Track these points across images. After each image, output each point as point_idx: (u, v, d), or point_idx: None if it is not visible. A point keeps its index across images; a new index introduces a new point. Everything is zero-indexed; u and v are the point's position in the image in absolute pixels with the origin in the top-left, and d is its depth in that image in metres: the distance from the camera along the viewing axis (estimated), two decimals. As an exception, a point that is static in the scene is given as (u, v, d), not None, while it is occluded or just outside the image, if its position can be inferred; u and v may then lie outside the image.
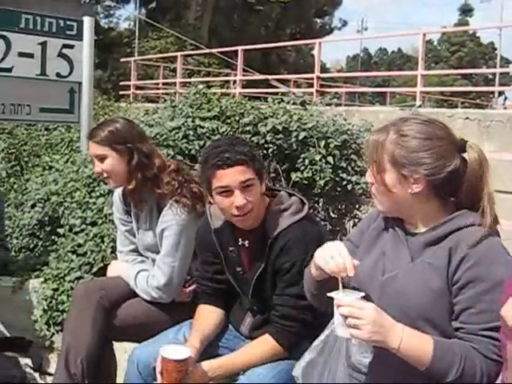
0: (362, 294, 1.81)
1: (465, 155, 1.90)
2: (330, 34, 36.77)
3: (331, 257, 1.87)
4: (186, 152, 4.10)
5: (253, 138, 4.08)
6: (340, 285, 1.84)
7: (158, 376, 2.25)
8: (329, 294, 1.83)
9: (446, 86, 26.89)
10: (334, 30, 39.08)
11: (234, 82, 15.54)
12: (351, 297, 1.78)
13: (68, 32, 4.95)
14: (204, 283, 2.68)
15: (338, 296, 1.79)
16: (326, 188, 3.93)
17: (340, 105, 15.64)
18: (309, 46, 30.50)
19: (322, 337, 1.93)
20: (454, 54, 55.00)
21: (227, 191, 2.34)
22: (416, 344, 1.75)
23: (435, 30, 35.49)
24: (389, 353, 1.76)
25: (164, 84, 18.49)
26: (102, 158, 2.90)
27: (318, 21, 37.65)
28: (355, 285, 1.99)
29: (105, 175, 2.93)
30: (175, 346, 2.31)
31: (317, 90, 12.60)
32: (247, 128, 4.17)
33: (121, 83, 19.72)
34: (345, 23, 42.45)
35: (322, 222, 4.18)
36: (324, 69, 33.91)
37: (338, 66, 66.56)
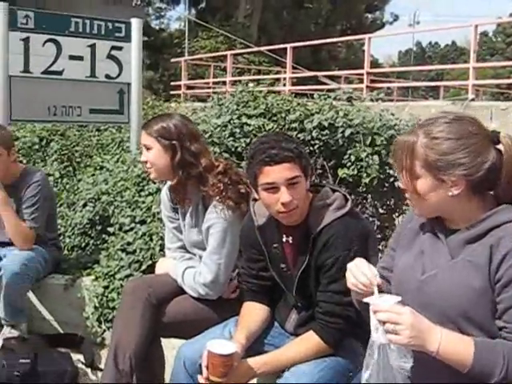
0: (399, 298, 1.78)
1: (499, 146, 1.84)
2: (381, 29, 36.32)
3: (355, 278, 1.90)
4: (233, 150, 4.12)
5: (299, 135, 4.08)
6: (375, 290, 1.83)
7: (204, 370, 2.27)
8: (365, 300, 1.81)
9: (502, 78, 26.24)
10: (385, 25, 38.63)
11: (284, 79, 15.54)
12: (388, 302, 1.76)
13: (116, 34, 5.05)
14: (249, 280, 2.68)
15: (375, 301, 1.77)
16: (373, 185, 3.90)
17: (392, 100, 15.51)
18: (360, 41, 30.24)
19: (374, 358, 1.88)
20: (510, 45, 53.75)
21: (273, 188, 2.34)
22: (455, 346, 1.72)
23: (488, 22, 34.79)
24: (429, 356, 1.73)
25: (214, 83, 18.60)
26: (148, 148, 2.97)
27: (369, 16, 37.30)
28: (393, 284, 1.98)
29: (148, 165, 3.00)
30: (221, 341, 2.33)
31: (367, 86, 12.49)
32: (293, 125, 4.17)
33: (171, 83, 19.95)
34: (396, 18, 41.87)
35: (371, 219, 4.15)
36: (376, 64, 33.59)
37: (390, 61, 65.84)
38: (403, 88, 24.70)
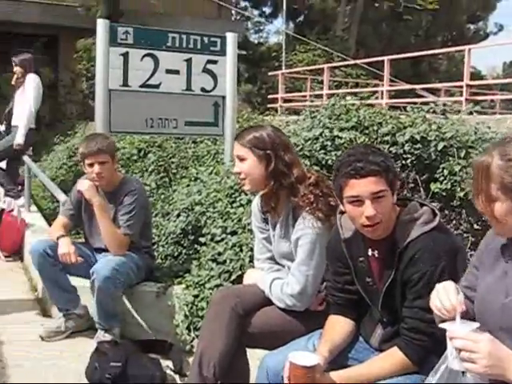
0: (477, 324, 1.73)
1: None
2: (485, 40, 35.28)
3: (440, 302, 1.87)
4: (323, 163, 4.12)
5: (391, 148, 4.03)
6: (458, 316, 1.80)
7: (286, 382, 2.27)
8: (441, 325, 1.77)
9: None
10: (489, 36, 37.49)
11: (382, 92, 15.37)
12: (465, 329, 1.71)
13: (212, 48, 5.17)
14: (335, 294, 2.66)
15: (451, 328, 1.73)
16: (467, 199, 3.79)
17: (495, 113, 15.02)
18: (461, 53, 29.51)
19: (435, 378, 1.83)
20: None
21: (358, 201, 2.32)
22: None
23: None
24: None
25: (311, 96, 18.61)
26: (242, 159, 2.98)
27: (472, 27, 36.37)
28: (476, 305, 1.91)
29: (242, 176, 3.00)
30: (304, 353, 2.32)
31: (466, 99, 12.16)
32: (385, 138, 4.13)
33: (269, 96, 20.11)
34: (501, 27, 40.48)
35: (465, 234, 4.03)
36: (478, 76, 32.54)
37: (494, 72, 63.81)
38: (507, 100, 23.83)
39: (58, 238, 4.06)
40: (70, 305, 4.21)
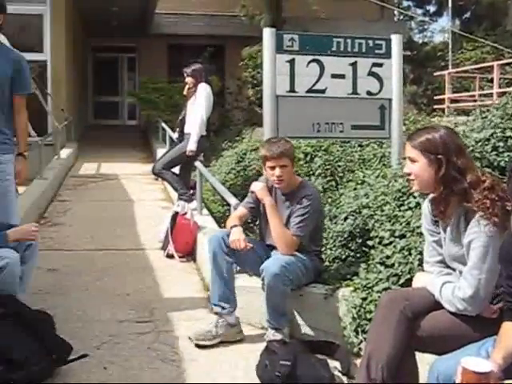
0: None
1: None
2: None
3: None
4: (495, 164, 3.98)
5: None
6: None
7: None
8: None
9: None
10: None
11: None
12: None
13: (377, 51, 5.17)
14: (509, 299, 2.57)
15: None
16: None
17: None
18: None
19: None
20: None
21: None
22: None
23: None
24: None
25: (480, 95, 17.91)
26: (412, 161, 2.97)
27: None
28: None
29: (411, 177, 2.99)
30: (477, 359, 2.28)
31: None
32: None
33: (435, 97, 19.60)
34: None
35: None
36: None
37: None
38: None
39: (231, 228, 4.25)
40: (226, 303, 4.23)
